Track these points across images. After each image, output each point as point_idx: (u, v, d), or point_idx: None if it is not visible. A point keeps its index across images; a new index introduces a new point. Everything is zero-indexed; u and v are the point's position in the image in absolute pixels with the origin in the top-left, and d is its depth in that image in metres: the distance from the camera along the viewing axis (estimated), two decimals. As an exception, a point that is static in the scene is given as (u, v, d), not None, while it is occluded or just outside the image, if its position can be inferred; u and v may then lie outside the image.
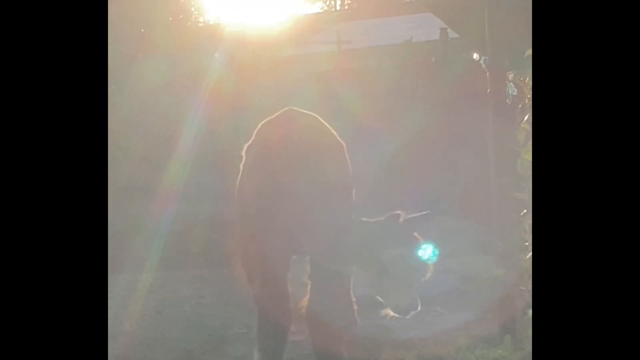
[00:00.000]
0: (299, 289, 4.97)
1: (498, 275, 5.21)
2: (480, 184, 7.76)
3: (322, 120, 5.14)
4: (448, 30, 12.25)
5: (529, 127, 5.19)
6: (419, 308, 4.65)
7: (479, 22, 5.77)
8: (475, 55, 10.71)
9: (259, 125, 5.18)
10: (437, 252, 4.70)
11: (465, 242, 7.77)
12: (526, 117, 5.30)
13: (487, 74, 5.73)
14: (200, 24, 15.11)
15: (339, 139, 5.08)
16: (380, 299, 4.73)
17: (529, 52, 5.24)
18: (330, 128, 5.11)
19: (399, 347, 5.30)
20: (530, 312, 5.02)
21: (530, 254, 5.05)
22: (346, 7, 27.88)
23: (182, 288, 7.84)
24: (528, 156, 5.15)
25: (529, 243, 5.09)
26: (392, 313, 4.76)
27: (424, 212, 4.81)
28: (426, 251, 4.70)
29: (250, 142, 5.17)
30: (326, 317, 4.92)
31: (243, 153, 5.21)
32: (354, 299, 5.17)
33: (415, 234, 4.74)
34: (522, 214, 5.11)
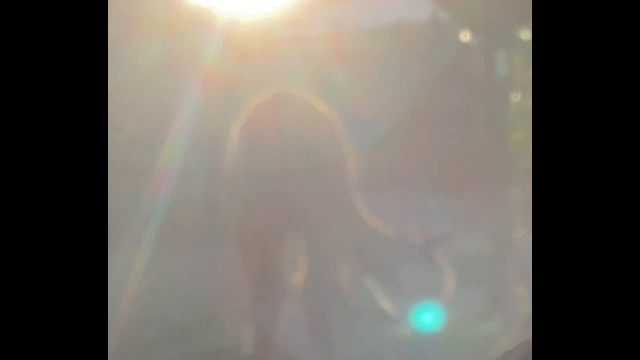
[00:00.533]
0: (294, 266, 5.03)
1: (489, 252, 5.28)
2: (471, 161, 7.80)
3: (316, 101, 5.20)
4: (440, 10, 12.27)
5: (518, 107, 5.27)
6: (437, 327, 4.73)
7: (471, 3, 5.83)
8: (465, 36, 10.75)
9: (252, 106, 5.23)
10: (440, 320, 4.70)
11: (456, 220, 7.82)
12: (516, 97, 5.38)
13: (478, 53, 5.79)
14: (194, 5, 15.08)
15: (333, 118, 5.14)
16: (396, 317, 4.80)
17: (520, 32, 5.33)
18: (324, 108, 5.17)
19: (391, 323, 5.36)
20: (520, 289, 5.11)
21: (521, 232, 5.14)
22: (339, -11, 27.72)
23: (177, 266, 7.89)
24: (517, 135, 5.24)
25: (519, 220, 5.17)
26: (408, 331, 4.85)
27: (447, 231, 4.81)
28: (428, 319, 4.73)
29: (242, 122, 5.22)
30: (320, 294, 5.00)
31: (235, 133, 5.25)
32: (345, 277, 5.26)
33: (433, 256, 4.79)
34: (514, 192, 5.20)
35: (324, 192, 4.97)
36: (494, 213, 5.50)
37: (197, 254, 8.40)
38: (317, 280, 5.00)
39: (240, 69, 11.48)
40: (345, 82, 11.21)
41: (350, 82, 11.22)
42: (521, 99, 5.34)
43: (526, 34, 5.32)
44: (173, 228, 9.02)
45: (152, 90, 10.84)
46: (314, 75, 10.94)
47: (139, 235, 7.98)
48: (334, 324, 5.01)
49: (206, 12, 13.40)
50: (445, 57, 11.33)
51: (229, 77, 11.24)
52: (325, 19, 15.17)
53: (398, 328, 5.18)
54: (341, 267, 5.11)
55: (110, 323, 3.61)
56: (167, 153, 9.71)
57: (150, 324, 6.09)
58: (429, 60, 11.55)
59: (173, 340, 5.77)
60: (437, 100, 11.09)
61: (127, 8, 11.79)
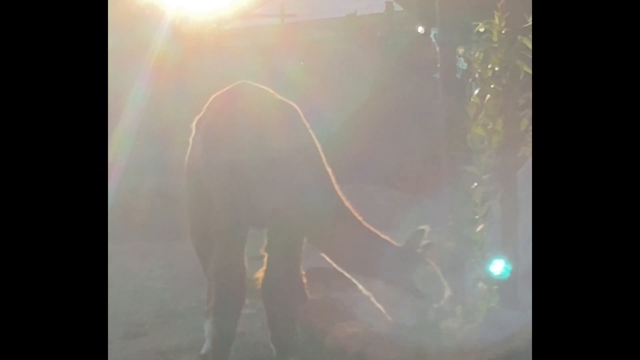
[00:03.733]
0: (255, 262, 4.98)
1: (449, 247, 5.25)
2: (429, 157, 7.79)
3: (275, 93, 5.14)
4: (394, 3, 12.29)
5: (479, 101, 5.24)
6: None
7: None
8: (420, 29, 10.74)
9: (211, 99, 5.16)
10: (509, 267, 4.80)
11: (414, 215, 7.80)
12: (476, 92, 5.35)
13: (437, 48, 5.75)
14: (144, -2, 14.94)
15: (294, 109, 5.08)
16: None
17: (479, 26, 5.29)
18: (284, 100, 5.11)
19: (349, 320, 5.32)
20: (480, 284, 5.10)
21: (481, 226, 5.12)
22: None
23: (130, 261, 7.77)
24: (478, 130, 5.20)
25: (479, 216, 5.15)
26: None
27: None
28: (498, 267, 4.81)
29: (201, 115, 5.14)
30: (280, 290, 4.93)
31: (193, 126, 5.17)
32: (303, 273, 5.20)
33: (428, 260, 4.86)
34: (472, 187, 5.17)
35: (283, 185, 4.90)
36: (453, 207, 5.46)
37: (150, 249, 8.31)
38: (276, 276, 4.93)
39: (191, 60, 11.39)
40: (297, 74, 11.16)
41: (302, 74, 11.17)
42: (480, 92, 5.30)
43: (484, 28, 5.28)
44: (124, 222, 8.91)
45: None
46: (266, 67, 10.88)
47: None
48: (294, 320, 4.95)
49: (156, 5, 13.25)
50: (401, 50, 11.32)
51: (179, 68, 11.15)
52: (276, 10, 15.11)
53: (359, 323, 5.16)
54: (297, 263, 5.06)
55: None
56: (115, 144, 9.58)
57: (104, 321, 5.99)
58: (384, 53, 11.53)
59: (129, 337, 5.68)
60: (392, 94, 11.08)
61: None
